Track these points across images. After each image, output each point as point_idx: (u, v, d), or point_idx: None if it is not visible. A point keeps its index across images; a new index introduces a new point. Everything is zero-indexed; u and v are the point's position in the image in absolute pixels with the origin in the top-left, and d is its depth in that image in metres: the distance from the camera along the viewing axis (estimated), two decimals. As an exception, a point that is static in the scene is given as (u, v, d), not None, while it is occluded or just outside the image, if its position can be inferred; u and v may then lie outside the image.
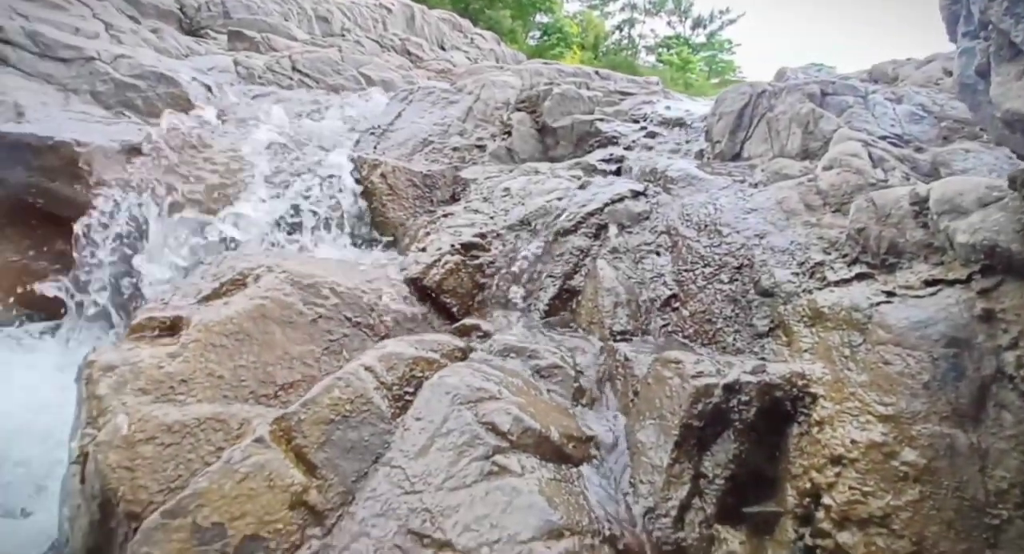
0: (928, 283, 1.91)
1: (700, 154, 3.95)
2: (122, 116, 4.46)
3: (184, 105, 4.82)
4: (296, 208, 3.73)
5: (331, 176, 4.07)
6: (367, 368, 2.01)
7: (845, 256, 2.22)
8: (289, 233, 3.74)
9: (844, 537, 1.57)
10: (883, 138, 3.18)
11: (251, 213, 3.62)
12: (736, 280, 2.49)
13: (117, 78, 4.67)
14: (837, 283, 2.12)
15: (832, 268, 2.21)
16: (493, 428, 1.83)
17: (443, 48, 15.02)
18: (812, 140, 3.32)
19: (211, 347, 2.27)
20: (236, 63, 6.88)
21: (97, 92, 4.54)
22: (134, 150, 3.88)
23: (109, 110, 4.47)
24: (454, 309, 2.92)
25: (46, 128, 3.77)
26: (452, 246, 3.07)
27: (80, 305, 3.31)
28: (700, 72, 25.86)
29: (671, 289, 2.68)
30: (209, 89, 5.33)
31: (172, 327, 2.41)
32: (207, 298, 2.57)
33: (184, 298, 2.59)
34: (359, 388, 1.93)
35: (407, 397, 2.02)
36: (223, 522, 1.55)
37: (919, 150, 3.12)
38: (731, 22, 27.78)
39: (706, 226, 2.82)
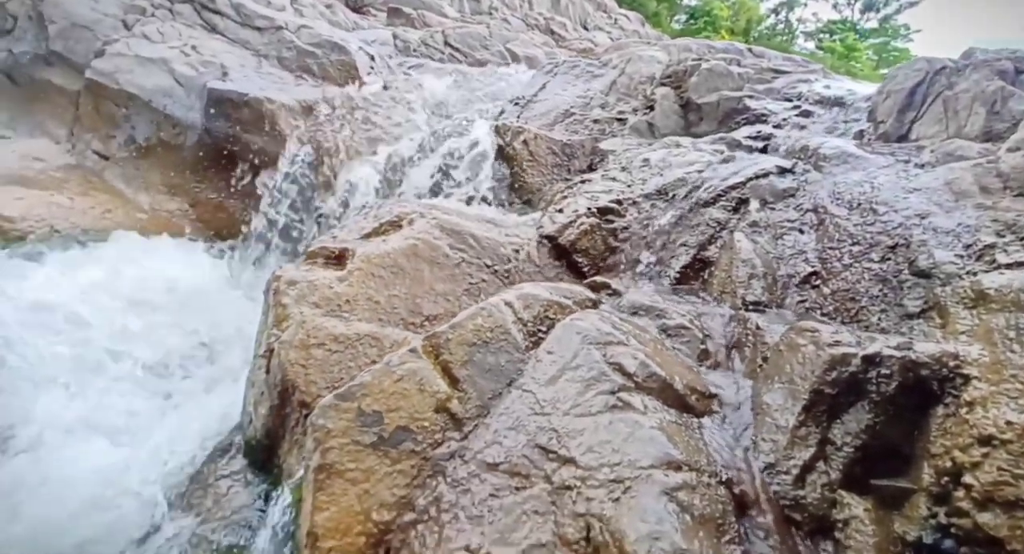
0: (1125, 270, 1.72)
1: (859, 135, 3.69)
2: (301, 79, 5.02)
3: (352, 71, 5.32)
4: (445, 167, 4.02)
5: (477, 141, 4.32)
6: (507, 303, 2.19)
7: (1023, 239, 2.04)
8: (436, 191, 4.05)
9: (985, 518, 1.50)
10: (1089, 121, 2.80)
11: (405, 168, 3.96)
12: (888, 260, 2.37)
13: (299, 46, 5.26)
14: (1009, 265, 1.96)
15: (1005, 251, 2.03)
16: (620, 368, 1.93)
17: (586, 28, 14.99)
18: (998, 121, 3.00)
19: (371, 276, 2.58)
20: (395, 37, 7.42)
21: (283, 57, 5.14)
22: (311, 108, 4.39)
23: (291, 73, 5.05)
24: (585, 269, 3.03)
25: (244, 87, 4.37)
26: (588, 209, 3.17)
27: (261, 234, 3.86)
28: (867, 61, 23.39)
29: (812, 266, 2.60)
30: (372, 58, 5.81)
31: (339, 257, 2.75)
32: (368, 235, 2.90)
33: (349, 234, 2.93)
34: (499, 319, 2.11)
35: (540, 334, 2.17)
36: (381, 411, 1.80)
37: None
38: (911, 4, 24.82)
39: (859, 204, 2.68)
